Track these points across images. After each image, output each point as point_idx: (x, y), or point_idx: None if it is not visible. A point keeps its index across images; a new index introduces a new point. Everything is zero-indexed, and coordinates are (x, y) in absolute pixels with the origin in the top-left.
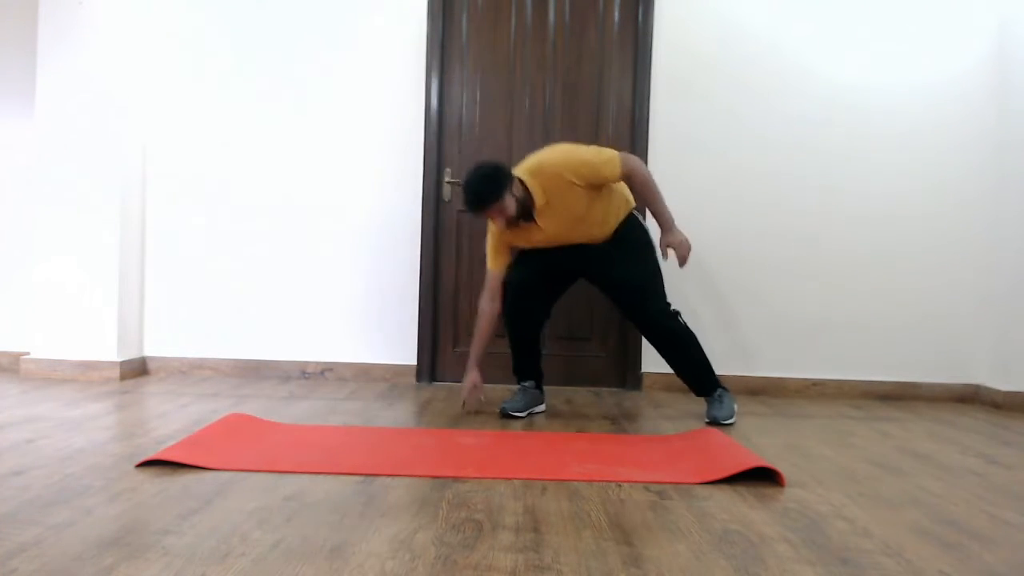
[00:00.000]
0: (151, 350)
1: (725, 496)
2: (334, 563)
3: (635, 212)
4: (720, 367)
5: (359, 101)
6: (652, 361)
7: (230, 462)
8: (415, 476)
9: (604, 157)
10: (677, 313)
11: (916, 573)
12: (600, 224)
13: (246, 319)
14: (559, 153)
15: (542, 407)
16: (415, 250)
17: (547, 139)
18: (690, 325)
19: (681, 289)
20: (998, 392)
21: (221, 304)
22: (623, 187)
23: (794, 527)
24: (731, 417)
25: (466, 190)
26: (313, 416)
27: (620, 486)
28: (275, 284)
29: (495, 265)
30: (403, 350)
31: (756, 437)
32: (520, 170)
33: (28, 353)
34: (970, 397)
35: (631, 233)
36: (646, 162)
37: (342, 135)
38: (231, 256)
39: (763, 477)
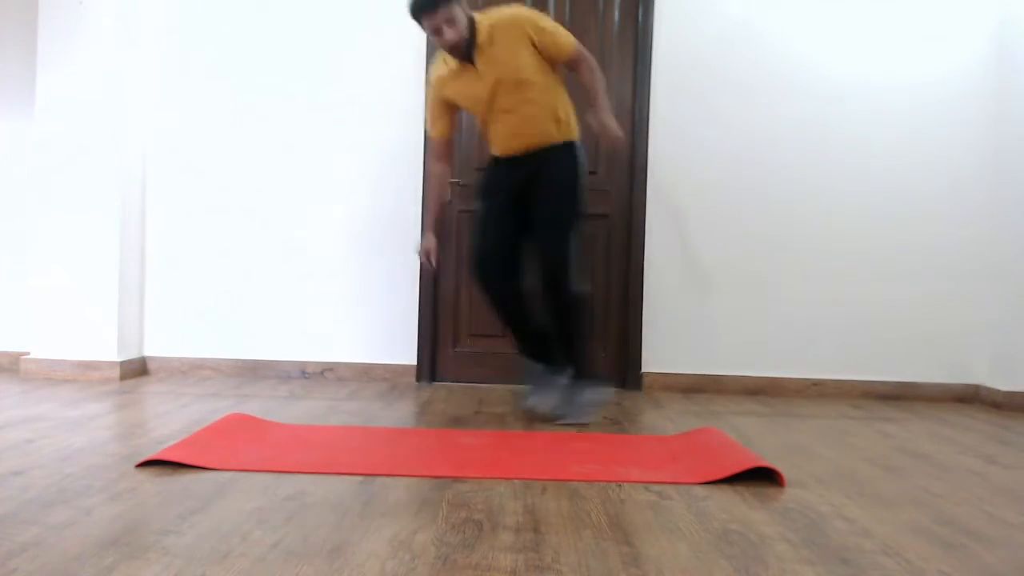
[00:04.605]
0: (151, 350)
1: (725, 496)
2: (334, 563)
3: (582, 144)
4: (720, 367)
5: (359, 102)
6: (652, 361)
7: (230, 462)
8: (415, 476)
9: (563, 31)
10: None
11: (916, 573)
12: (552, 118)
13: (246, 319)
14: (517, 7)
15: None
16: None
17: None
18: (690, 325)
19: (681, 289)
20: (998, 392)
21: (221, 304)
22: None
23: (794, 527)
24: (583, 417)
25: None
26: (313, 416)
27: (620, 486)
28: (275, 284)
29: (435, 131)
30: (403, 350)
31: (756, 437)
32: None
33: (28, 353)
34: (970, 397)
35: (573, 168)
36: (646, 162)
37: (342, 136)
38: (231, 256)
39: (763, 477)
